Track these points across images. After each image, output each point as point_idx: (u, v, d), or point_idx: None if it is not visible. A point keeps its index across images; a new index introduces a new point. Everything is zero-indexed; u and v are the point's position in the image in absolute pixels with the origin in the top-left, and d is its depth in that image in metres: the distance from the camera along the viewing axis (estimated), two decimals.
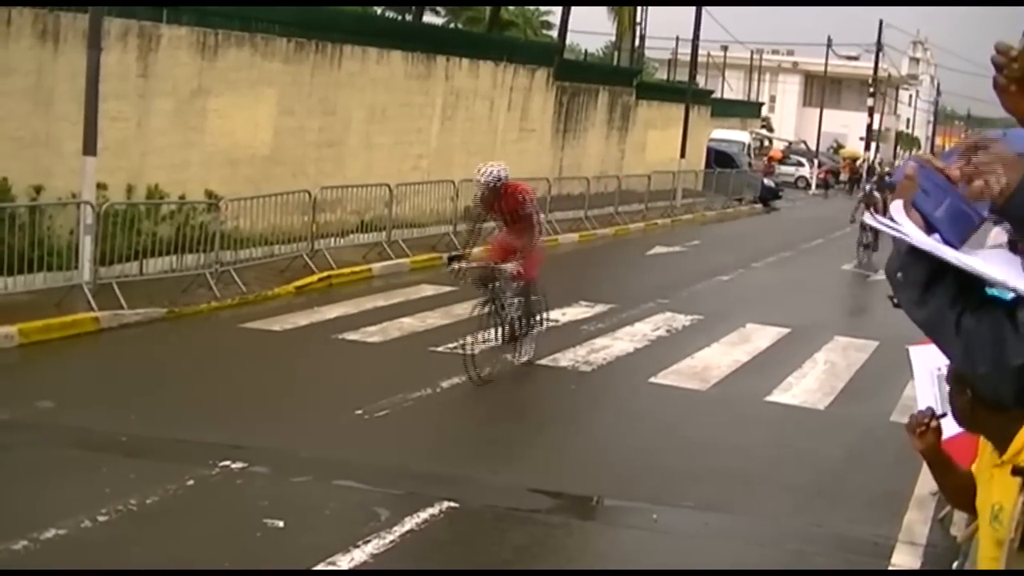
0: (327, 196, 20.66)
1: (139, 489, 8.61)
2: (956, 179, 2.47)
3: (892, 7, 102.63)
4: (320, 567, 7.62)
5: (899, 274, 2.52)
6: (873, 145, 75.32)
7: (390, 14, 41.76)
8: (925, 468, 10.77)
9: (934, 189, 2.49)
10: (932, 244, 2.43)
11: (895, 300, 2.60)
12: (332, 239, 20.67)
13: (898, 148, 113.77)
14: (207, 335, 15.05)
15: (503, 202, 13.19)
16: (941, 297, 2.44)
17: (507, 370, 13.53)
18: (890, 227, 2.49)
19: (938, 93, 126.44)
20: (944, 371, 3.77)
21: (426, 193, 24.34)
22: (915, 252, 2.46)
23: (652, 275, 23.77)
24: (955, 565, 6.78)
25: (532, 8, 66.01)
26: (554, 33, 52.74)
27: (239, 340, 14.69)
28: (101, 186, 16.22)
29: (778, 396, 13.67)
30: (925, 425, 3.75)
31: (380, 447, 10.55)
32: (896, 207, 2.50)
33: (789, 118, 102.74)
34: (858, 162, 66.03)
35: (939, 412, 3.75)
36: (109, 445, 9.94)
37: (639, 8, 55.16)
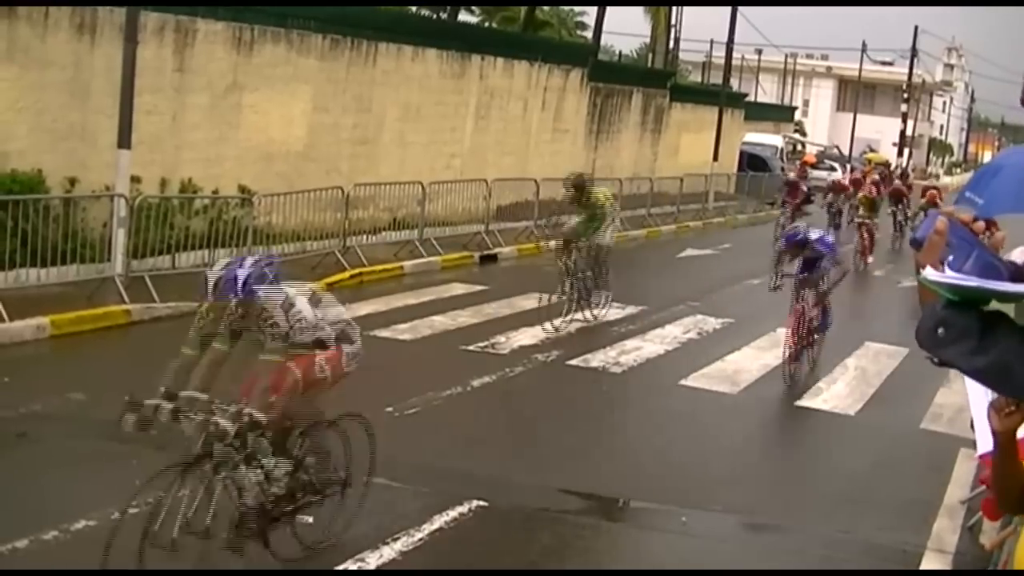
0: (360, 193, 20.69)
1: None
2: (980, 231, 2.46)
3: (924, 7, 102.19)
4: (349, 564, 7.64)
5: (939, 330, 2.41)
6: (906, 151, 74.91)
7: (425, 13, 41.76)
8: (954, 476, 10.79)
9: (960, 243, 2.47)
10: (990, 282, 2.36)
11: (935, 359, 2.46)
12: (364, 236, 20.71)
13: (931, 155, 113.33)
14: None
15: None
16: (1006, 337, 2.36)
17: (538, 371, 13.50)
18: (940, 278, 2.42)
19: (972, 100, 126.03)
20: None
21: (459, 192, 24.38)
22: (955, 305, 2.39)
23: (683, 278, 23.74)
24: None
25: (567, 8, 65.92)
26: (588, 34, 52.68)
27: None
28: (135, 179, 16.29)
29: (808, 401, 13.62)
30: (1015, 405, 3.68)
31: (410, 445, 10.53)
32: (927, 268, 2.45)
33: (822, 123, 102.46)
34: (891, 168, 65.36)
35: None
36: (139, 438, 9.92)
37: (674, 10, 55.04)
